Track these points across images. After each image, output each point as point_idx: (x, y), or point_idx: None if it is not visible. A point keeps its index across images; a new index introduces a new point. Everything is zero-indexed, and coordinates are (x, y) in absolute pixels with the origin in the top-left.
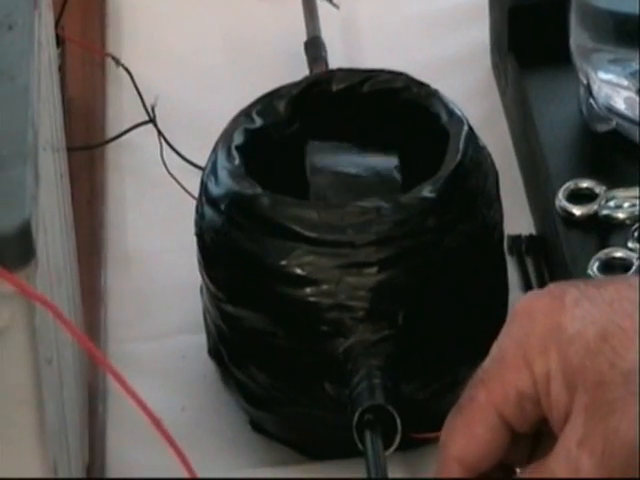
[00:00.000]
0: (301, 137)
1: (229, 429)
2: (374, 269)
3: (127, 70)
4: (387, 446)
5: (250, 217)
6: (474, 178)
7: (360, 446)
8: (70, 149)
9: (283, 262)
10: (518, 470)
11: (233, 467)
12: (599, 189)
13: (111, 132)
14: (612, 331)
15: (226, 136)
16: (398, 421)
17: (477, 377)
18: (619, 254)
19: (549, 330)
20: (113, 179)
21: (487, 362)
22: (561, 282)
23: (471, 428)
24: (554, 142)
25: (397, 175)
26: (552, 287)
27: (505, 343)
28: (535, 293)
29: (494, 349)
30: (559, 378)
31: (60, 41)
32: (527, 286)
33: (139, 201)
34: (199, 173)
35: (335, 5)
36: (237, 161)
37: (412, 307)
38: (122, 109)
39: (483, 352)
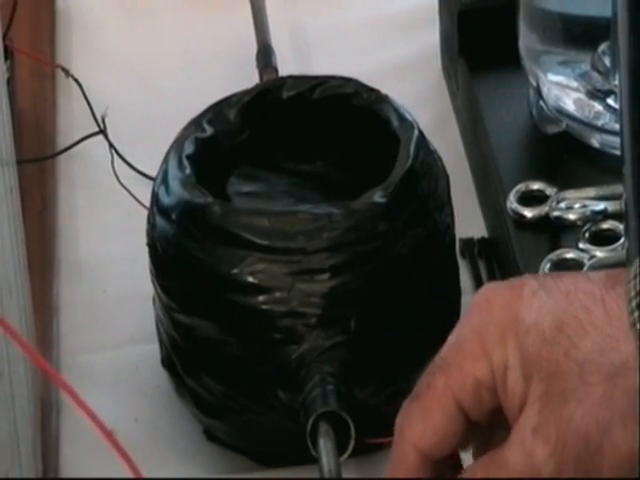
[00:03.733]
0: (252, 145)
1: (183, 439)
2: (326, 275)
3: (77, 81)
4: (341, 452)
5: (201, 226)
6: (425, 182)
7: (314, 453)
8: (20, 161)
9: (235, 270)
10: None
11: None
12: (550, 191)
13: (62, 143)
14: (567, 321)
15: (177, 145)
16: (352, 427)
17: (435, 365)
18: (570, 255)
19: (507, 320)
20: (64, 190)
21: (445, 350)
22: (520, 276)
23: (428, 415)
24: (505, 145)
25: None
26: (511, 279)
27: (464, 332)
28: (494, 284)
29: (452, 338)
30: (516, 368)
31: (9, 53)
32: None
33: (90, 212)
34: (150, 183)
35: None
36: (188, 170)
37: (365, 313)
38: (72, 120)
39: None
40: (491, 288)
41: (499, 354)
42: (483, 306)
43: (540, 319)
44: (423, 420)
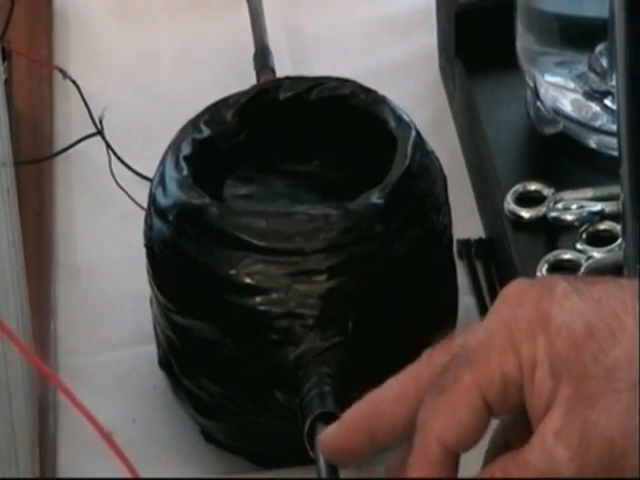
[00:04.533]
0: (249, 146)
1: (180, 440)
2: (323, 276)
3: (74, 82)
4: None
5: (199, 227)
6: (422, 183)
7: (311, 454)
8: (18, 163)
9: (232, 271)
10: None
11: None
12: (547, 191)
13: (59, 144)
14: (599, 327)
15: (174, 147)
16: None
17: (461, 358)
18: (568, 256)
19: (538, 317)
20: (61, 191)
21: (472, 343)
22: (552, 275)
23: (454, 408)
24: (502, 145)
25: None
26: (543, 277)
27: (492, 325)
28: (525, 280)
29: (479, 330)
30: (545, 365)
31: (6, 54)
32: (477, 290)
33: (88, 213)
34: (148, 184)
35: None
36: (185, 171)
37: (362, 314)
38: (70, 121)
39: None
40: (521, 283)
41: (528, 349)
42: (513, 300)
43: (571, 321)
44: (448, 414)
